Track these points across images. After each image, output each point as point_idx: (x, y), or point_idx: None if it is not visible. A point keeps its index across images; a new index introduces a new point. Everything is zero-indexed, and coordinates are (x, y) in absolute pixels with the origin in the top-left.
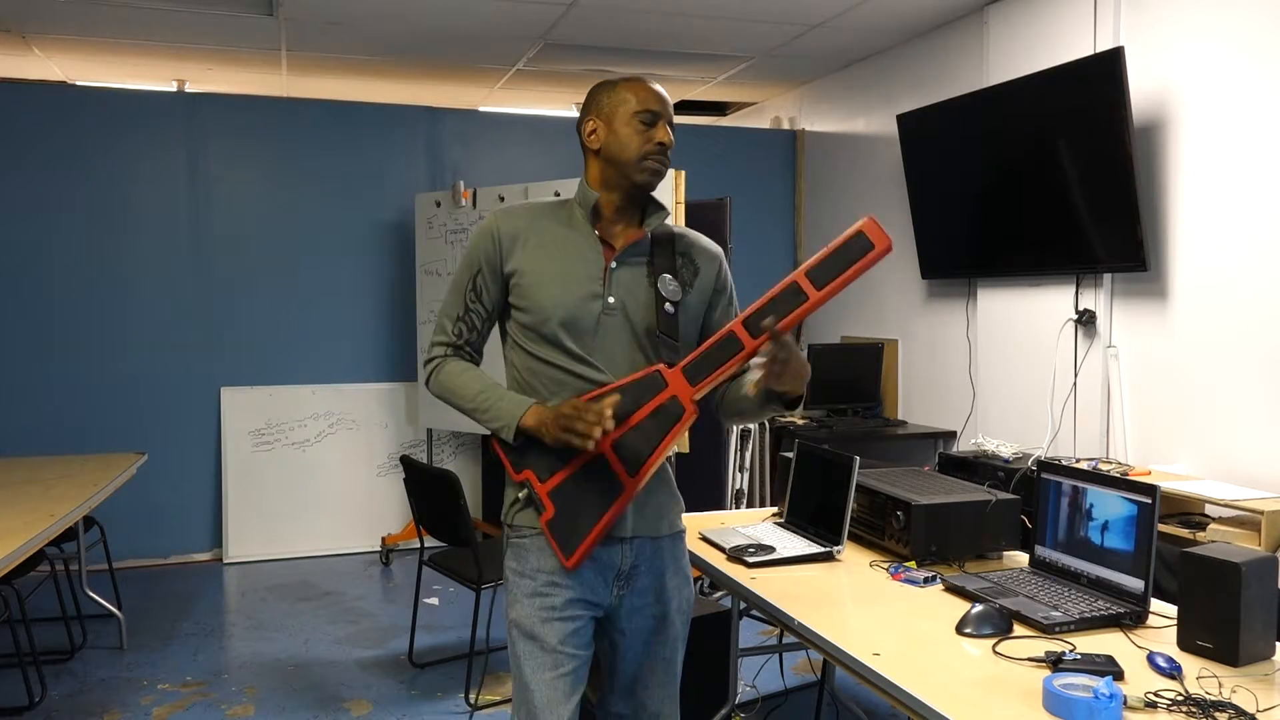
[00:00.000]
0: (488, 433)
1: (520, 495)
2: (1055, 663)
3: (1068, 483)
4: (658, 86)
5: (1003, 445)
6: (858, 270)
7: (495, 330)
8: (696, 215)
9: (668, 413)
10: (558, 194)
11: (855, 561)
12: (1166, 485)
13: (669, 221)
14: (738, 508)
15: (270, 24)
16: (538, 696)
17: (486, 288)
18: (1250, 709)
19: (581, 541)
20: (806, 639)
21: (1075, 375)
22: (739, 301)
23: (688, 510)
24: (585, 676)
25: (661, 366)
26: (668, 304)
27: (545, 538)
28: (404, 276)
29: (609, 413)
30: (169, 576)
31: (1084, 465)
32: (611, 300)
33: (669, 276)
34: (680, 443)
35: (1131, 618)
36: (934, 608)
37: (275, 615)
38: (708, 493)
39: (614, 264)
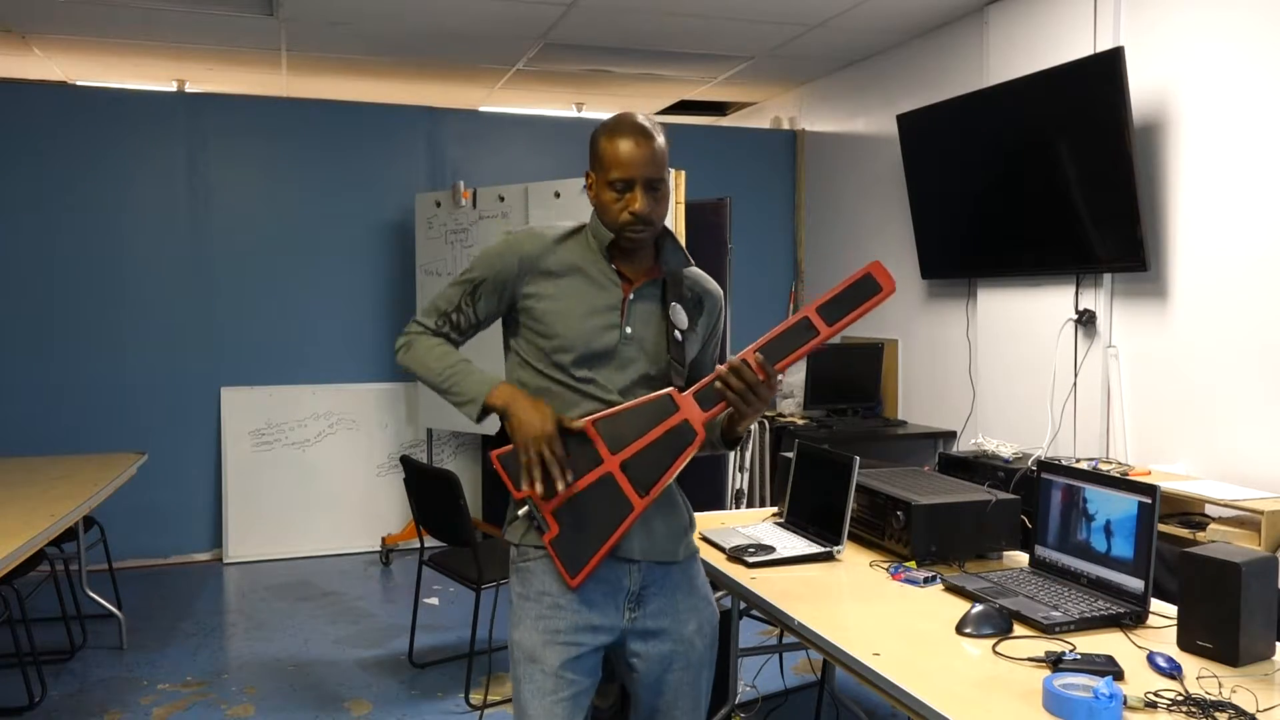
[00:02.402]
0: (488, 433)
1: (520, 513)
2: (1055, 663)
3: (1068, 483)
4: (638, 140)
5: (1003, 445)
6: (865, 310)
7: (498, 342)
8: (696, 215)
9: (679, 436)
10: (558, 194)
11: (855, 561)
12: (1166, 485)
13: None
14: (738, 508)
15: (270, 24)
16: None
17: (486, 298)
18: (1250, 709)
19: (588, 561)
20: (806, 639)
21: (1075, 375)
22: (735, 302)
23: None
24: (586, 704)
25: (673, 391)
26: (677, 332)
27: (550, 559)
28: (404, 276)
29: (560, 486)
30: (169, 576)
31: (1084, 465)
32: (629, 331)
33: (678, 306)
34: None
35: (1131, 618)
36: (934, 608)
37: (275, 615)
38: (708, 493)
39: (632, 296)
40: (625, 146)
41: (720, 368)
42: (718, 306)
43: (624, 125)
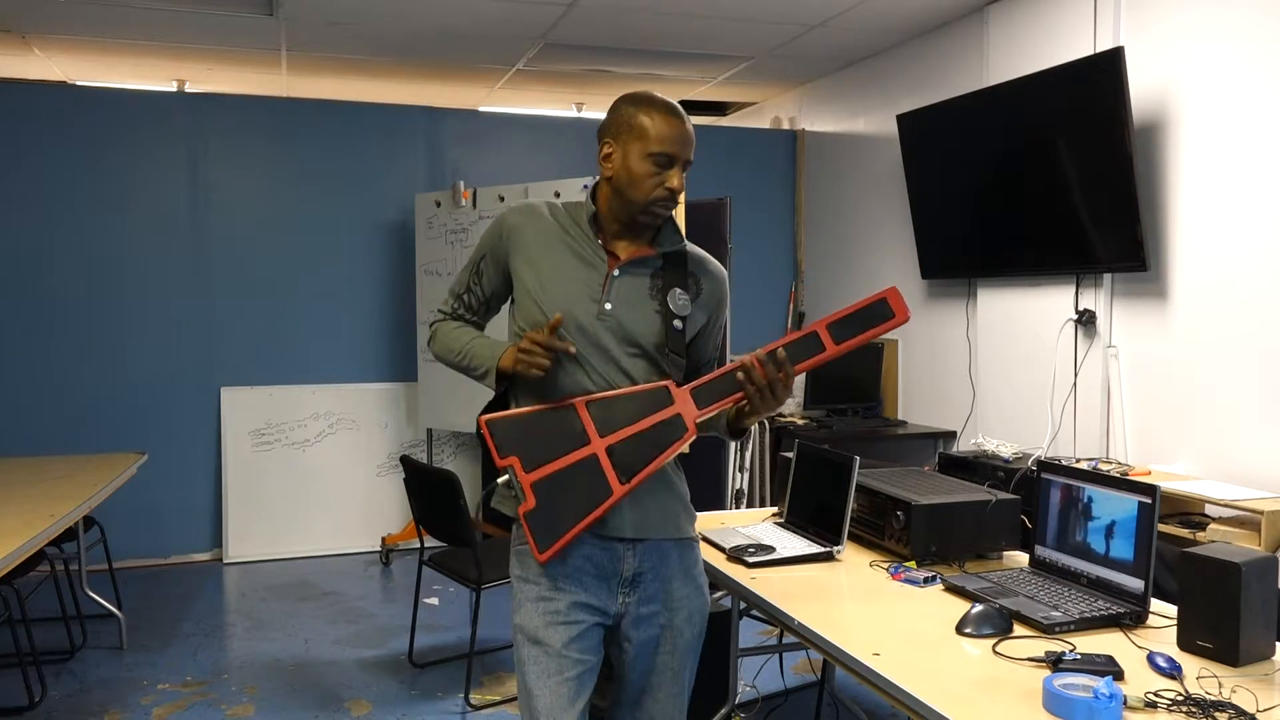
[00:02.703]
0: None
1: (500, 481)
2: (1055, 663)
3: (1068, 483)
4: (681, 120)
5: (1003, 445)
6: (873, 334)
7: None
8: (696, 215)
9: (669, 429)
10: (557, 194)
11: (855, 561)
12: (1166, 485)
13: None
14: (738, 508)
15: (270, 24)
16: (541, 701)
17: (488, 274)
18: (1250, 709)
19: (559, 538)
20: (806, 639)
21: (1075, 375)
22: (735, 301)
23: None
24: (591, 684)
25: (670, 383)
26: (676, 320)
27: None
28: (404, 276)
29: (546, 352)
30: (169, 576)
31: (1084, 465)
32: (608, 307)
33: (679, 291)
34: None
35: (1131, 618)
36: (934, 608)
37: (275, 615)
38: (708, 493)
39: (616, 272)
40: (672, 123)
41: (745, 358)
42: (720, 290)
43: (663, 102)
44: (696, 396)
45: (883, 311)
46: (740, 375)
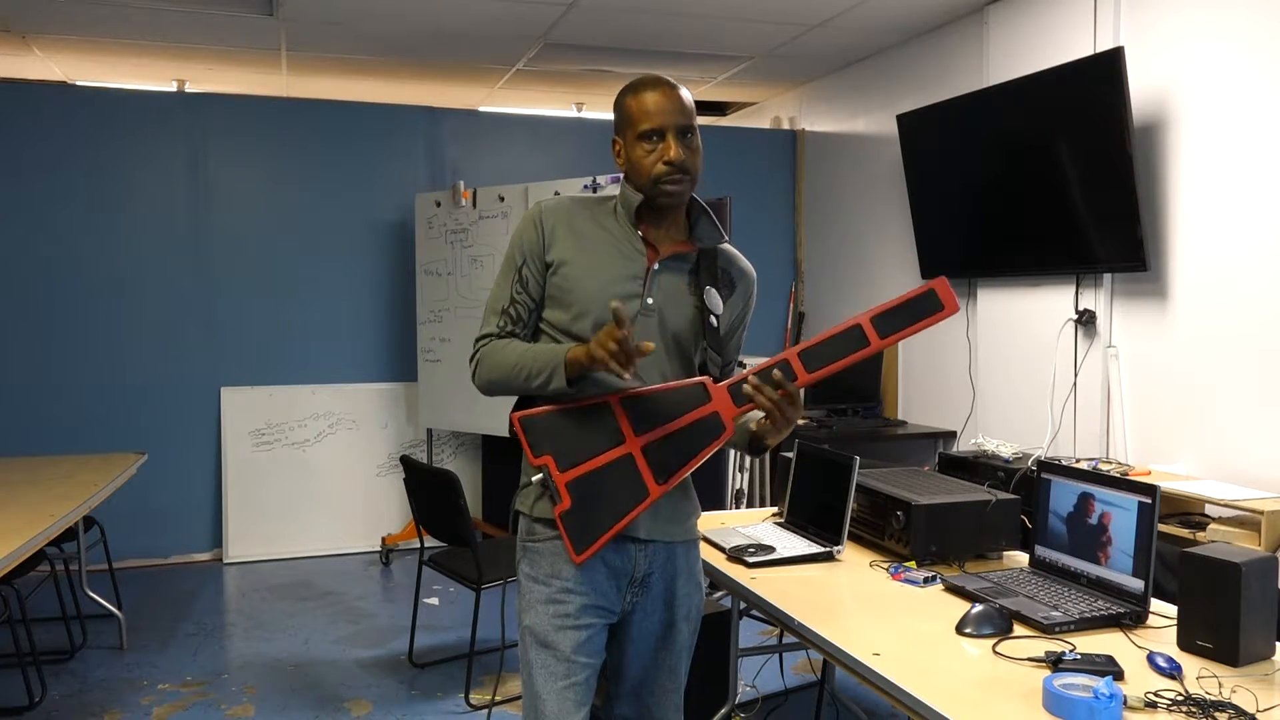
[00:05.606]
0: (488, 432)
1: (534, 480)
2: (1055, 663)
3: (1067, 482)
4: (663, 90)
5: (1003, 445)
6: (922, 327)
7: None
8: None
9: (707, 427)
10: (557, 193)
11: (855, 561)
12: (1166, 485)
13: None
14: (738, 508)
15: (270, 24)
16: (549, 706)
17: (532, 278)
18: (1250, 709)
19: (595, 541)
20: (806, 639)
21: (1075, 375)
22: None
23: None
24: (595, 685)
25: (707, 380)
26: (712, 317)
27: (558, 540)
28: (404, 276)
29: (628, 350)
30: (169, 576)
31: (1084, 465)
32: (650, 301)
33: (713, 289)
34: None
35: (1131, 618)
36: (934, 608)
37: (275, 615)
38: (708, 493)
39: (657, 265)
40: (652, 97)
41: (750, 375)
42: (751, 289)
43: (647, 80)
44: (734, 394)
45: (931, 304)
46: (746, 388)
